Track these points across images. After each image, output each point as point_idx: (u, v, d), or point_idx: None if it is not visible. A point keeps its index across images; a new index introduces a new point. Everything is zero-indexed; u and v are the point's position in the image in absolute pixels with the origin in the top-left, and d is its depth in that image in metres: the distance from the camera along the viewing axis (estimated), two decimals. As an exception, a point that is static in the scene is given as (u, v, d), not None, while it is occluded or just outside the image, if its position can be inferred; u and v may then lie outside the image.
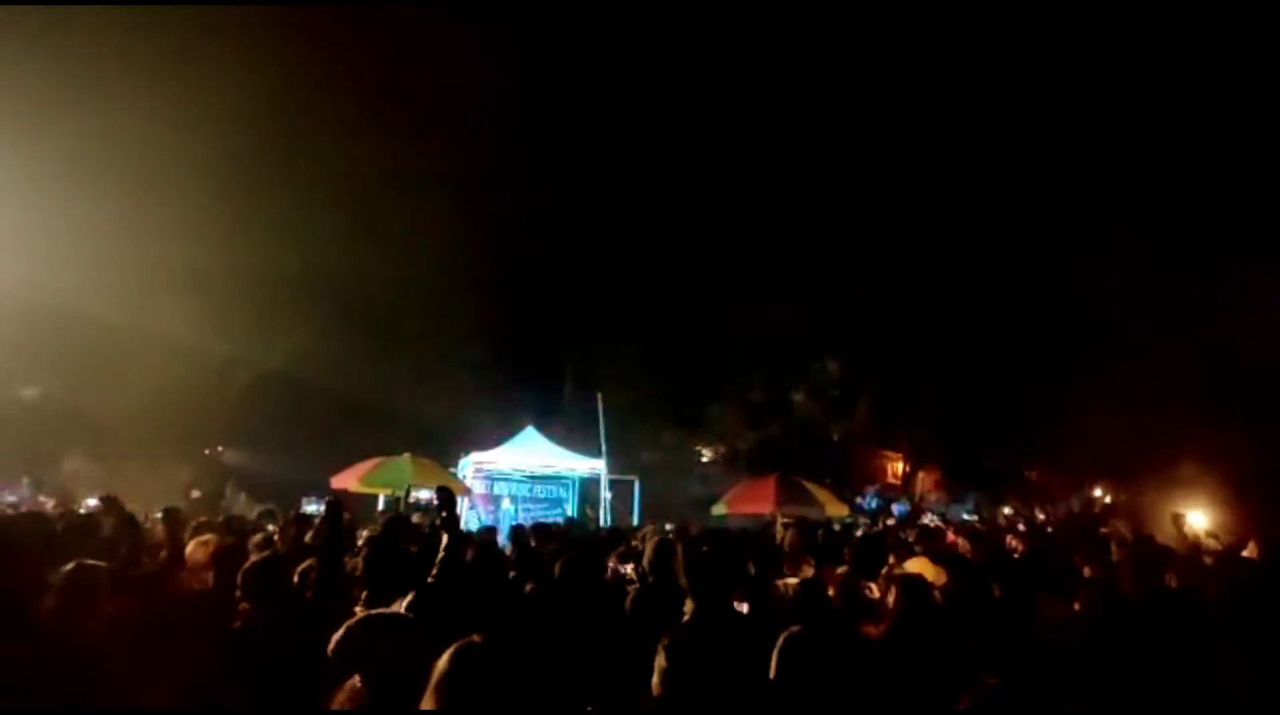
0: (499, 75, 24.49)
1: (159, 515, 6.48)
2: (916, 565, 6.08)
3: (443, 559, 3.85)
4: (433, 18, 22.40)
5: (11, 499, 15.14)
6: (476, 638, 2.16)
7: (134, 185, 18.77)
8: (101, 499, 6.99)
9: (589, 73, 26.35)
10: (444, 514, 4.07)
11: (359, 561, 4.46)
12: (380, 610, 2.92)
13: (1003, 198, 24.38)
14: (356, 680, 2.56)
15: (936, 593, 5.40)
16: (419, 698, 2.17)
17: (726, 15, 24.05)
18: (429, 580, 3.78)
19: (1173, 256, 21.53)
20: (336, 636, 2.65)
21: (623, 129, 26.70)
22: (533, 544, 7.17)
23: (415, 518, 10.43)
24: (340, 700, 2.57)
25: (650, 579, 4.77)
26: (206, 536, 5.73)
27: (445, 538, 3.94)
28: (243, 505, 16.46)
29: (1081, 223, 23.42)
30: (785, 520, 10.59)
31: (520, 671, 2.16)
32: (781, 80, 25.97)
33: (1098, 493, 23.82)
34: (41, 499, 15.57)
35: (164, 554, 5.64)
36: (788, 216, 25.73)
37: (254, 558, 4.05)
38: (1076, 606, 4.84)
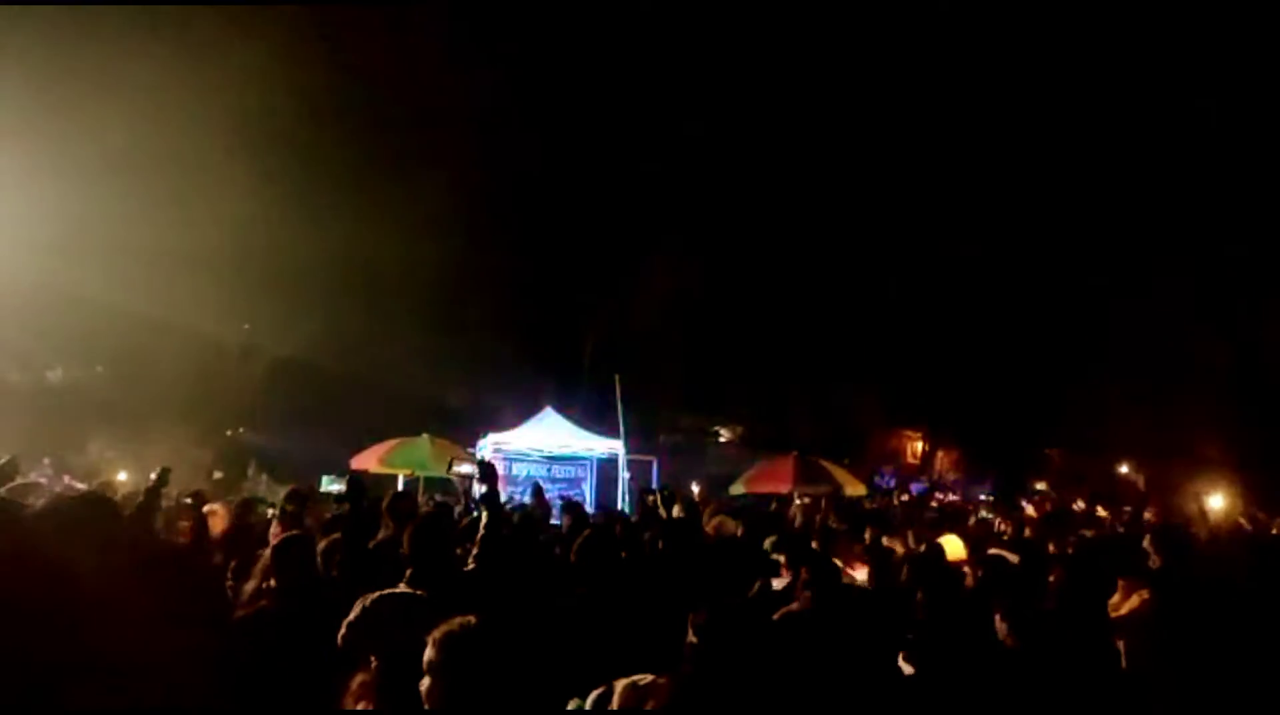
0: (521, 61, 24.46)
1: (188, 500, 6.53)
2: (946, 543, 6.07)
3: (483, 536, 3.77)
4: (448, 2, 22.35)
5: (41, 481, 15.25)
6: (470, 619, 2.21)
7: (156, 174, 18.88)
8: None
9: (609, 59, 26.23)
10: (485, 489, 3.96)
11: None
12: (393, 590, 2.90)
13: (1023, 177, 24.15)
14: (372, 661, 2.55)
15: (966, 569, 5.41)
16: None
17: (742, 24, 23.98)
18: (471, 559, 3.74)
19: (1194, 237, 21.32)
20: (350, 617, 2.64)
21: (639, 112, 26.57)
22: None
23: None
24: (357, 682, 2.57)
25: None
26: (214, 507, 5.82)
27: (486, 515, 3.85)
28: (264, 486, 16.58)
29: (1105, 202, 23.16)
30: (802, 499, 10.64)
31: (513, 652, 2.22)
32: (812, 75, 25.76)
33: (1124, 470, 23.65)
34: (67, 480, 15.68)
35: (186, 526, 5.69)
36: (808, 203, 25.58)
37: (281, 535, 4.01)
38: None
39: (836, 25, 24.51)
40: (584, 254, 26.07)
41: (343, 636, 2.63)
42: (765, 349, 26.39)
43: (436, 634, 2.20)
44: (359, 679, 2.58)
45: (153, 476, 4.96)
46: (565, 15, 24.59)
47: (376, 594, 2.72)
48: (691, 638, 2.57)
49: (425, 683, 2.18)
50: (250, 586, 3.84)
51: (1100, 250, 22.68)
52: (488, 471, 4.11)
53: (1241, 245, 20.87)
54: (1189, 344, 20.43)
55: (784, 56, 26.20)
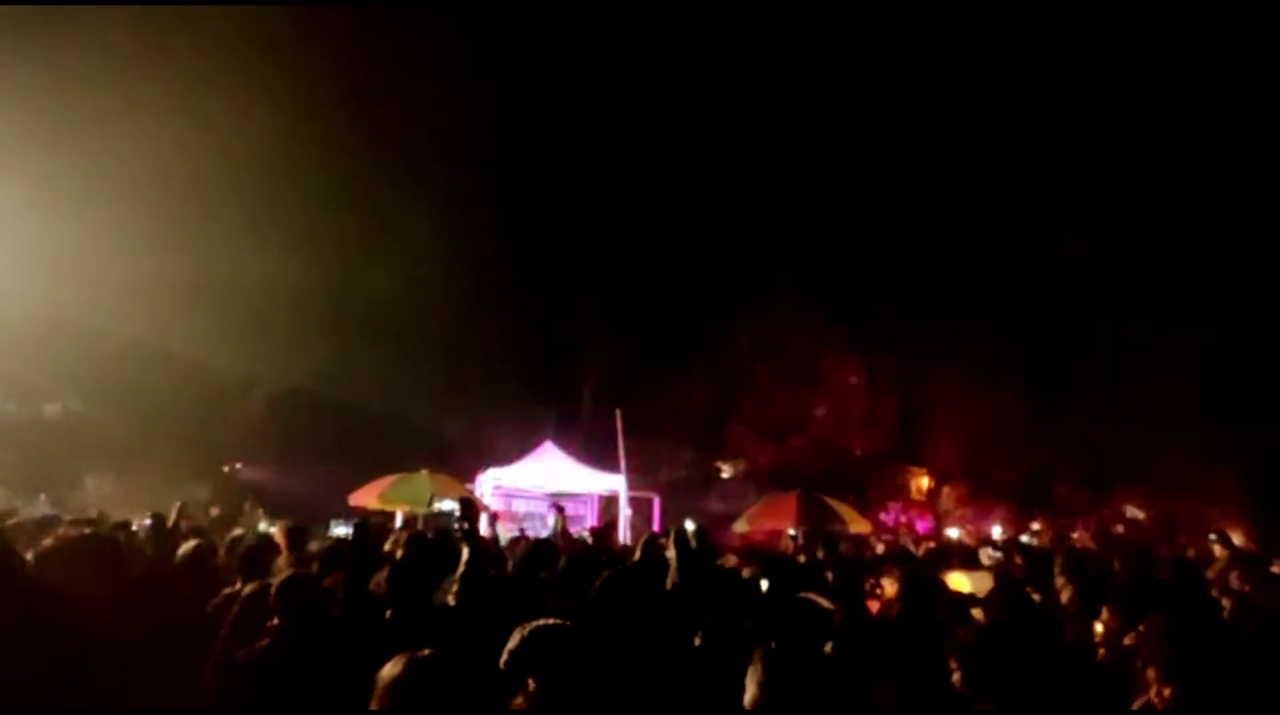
0: (518, 90, 24.70)
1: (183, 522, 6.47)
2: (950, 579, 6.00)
3: (463, 573, 3.75)
4: (444, 29, 22.62)
5: (36, 516, 15.05)
6: (424, 653, 2.28)
7: (157, 207, 18.95)
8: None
9: (606, 87, 26.48)
10: (465, 525, 3.98)
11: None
12: (547, 621, 3.04)
13: (1027, 199, 24.28)
14: (530, 685, 2.73)
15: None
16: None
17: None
18: (452, 596, 3.69)
19: (1203, 262, 21.30)
20: (510, 645, 2.82)
21: (639, 143, 26.76)
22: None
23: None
24: (517, 702, 2.74)
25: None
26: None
27: (465, 551, 3.83)
28: (261, 522, 16.36)
29: (1111, 226, 23.15)
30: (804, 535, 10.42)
31: (463, 687, 2.28)
32: (805, 86, 25.97)
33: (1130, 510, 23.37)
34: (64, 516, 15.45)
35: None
36: (806, 228, 25.65)
37: (287, 572, 4.01)
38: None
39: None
40: (585, 287, 26.14)
41: (505, 661, 2.81)
42: (769, 380, 26.32)
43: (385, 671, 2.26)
44: (519, 699, 2.75)
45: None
46: (570, 43, 24.94)
47: (532, 624, 2.87)
48: (760, 675, 2.65)
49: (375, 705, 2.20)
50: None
51: (1109, 277, 22.68)
52: (467, 508, 4.16)
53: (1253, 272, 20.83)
54: (1198, 376, 20.32)
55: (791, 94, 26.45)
